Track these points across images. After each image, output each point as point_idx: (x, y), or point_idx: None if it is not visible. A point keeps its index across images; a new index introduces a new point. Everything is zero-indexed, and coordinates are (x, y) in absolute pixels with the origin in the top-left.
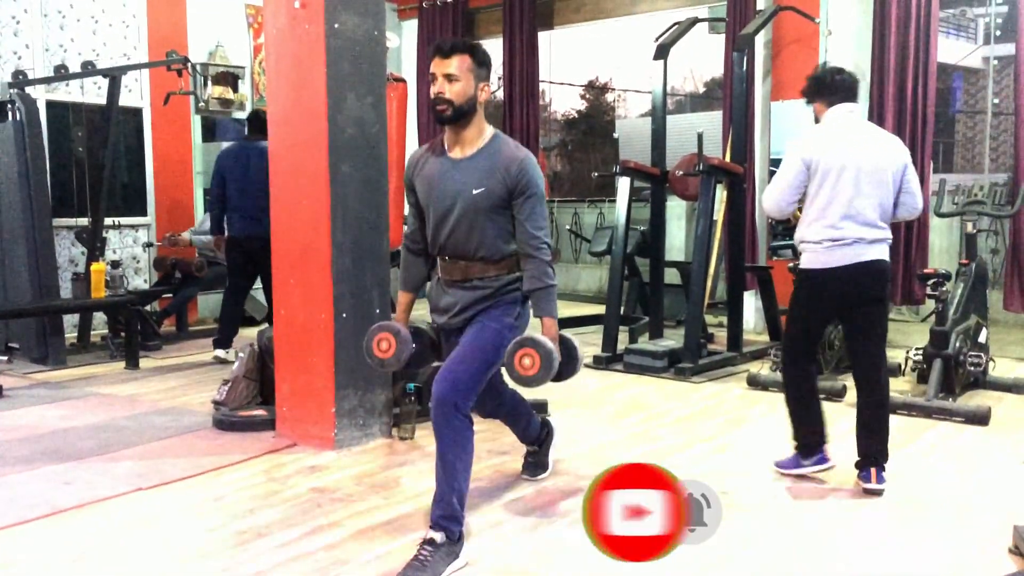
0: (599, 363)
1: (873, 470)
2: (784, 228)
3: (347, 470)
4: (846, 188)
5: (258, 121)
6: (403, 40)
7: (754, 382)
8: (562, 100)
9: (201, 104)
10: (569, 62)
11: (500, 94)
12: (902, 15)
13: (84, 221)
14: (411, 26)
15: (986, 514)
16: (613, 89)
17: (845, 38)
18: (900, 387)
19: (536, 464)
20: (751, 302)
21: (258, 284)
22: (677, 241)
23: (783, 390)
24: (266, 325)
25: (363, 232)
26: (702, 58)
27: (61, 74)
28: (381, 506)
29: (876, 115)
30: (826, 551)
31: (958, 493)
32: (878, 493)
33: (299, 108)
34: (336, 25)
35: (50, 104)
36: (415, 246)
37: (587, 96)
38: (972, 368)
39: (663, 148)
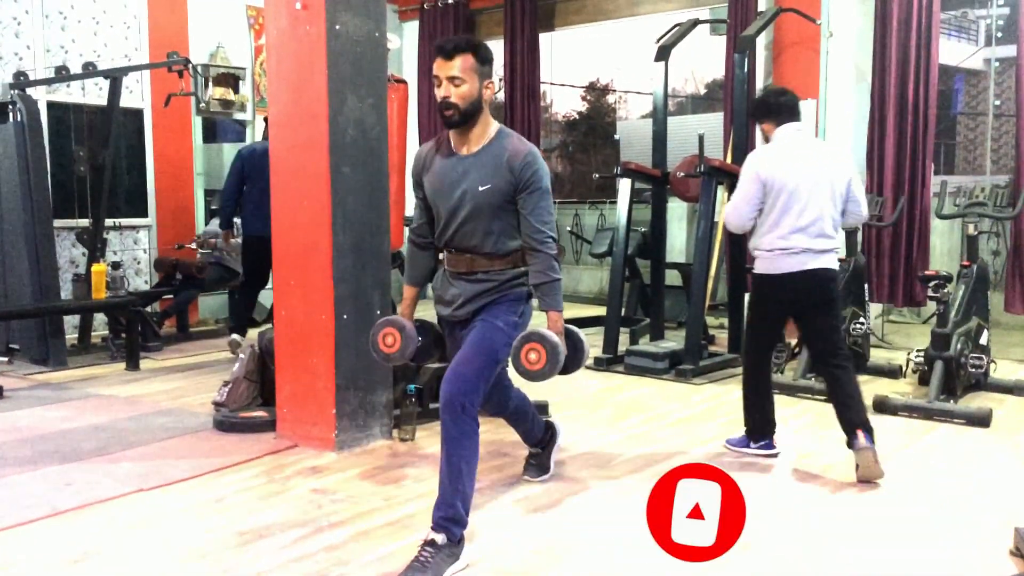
0: (600, 364)
1: (859, 431)
2: None
3: (348, 471)
4: (797, 202)
5: None
6: (404, 41)
7: None
8: (563, 101)
9: (202, 105)
10: (570, 63)
11: (501, 95)
12: (903, 17)
13: (85, 222)
14: (412, 27)
15: (987, 516)
16: (614, 91)
17: (846, 40)
18: (901, 389)
19: (538, 466)
20: None
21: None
22: (678, 243)
23: (743, 379)
24: (267, 326)
25: (364, 233)
26: (703, 60)
27: (62, 75)
28: (382, 507)
29: (877, 117)
30: (827, 552)
31: (959, 495)
32: (870, 449)
33: (300, 109)
34: (337, 26)
35: (51, 105)
36: (421, 240)
37: (588, 97)
38: (973, 370)
39: (664, 150)
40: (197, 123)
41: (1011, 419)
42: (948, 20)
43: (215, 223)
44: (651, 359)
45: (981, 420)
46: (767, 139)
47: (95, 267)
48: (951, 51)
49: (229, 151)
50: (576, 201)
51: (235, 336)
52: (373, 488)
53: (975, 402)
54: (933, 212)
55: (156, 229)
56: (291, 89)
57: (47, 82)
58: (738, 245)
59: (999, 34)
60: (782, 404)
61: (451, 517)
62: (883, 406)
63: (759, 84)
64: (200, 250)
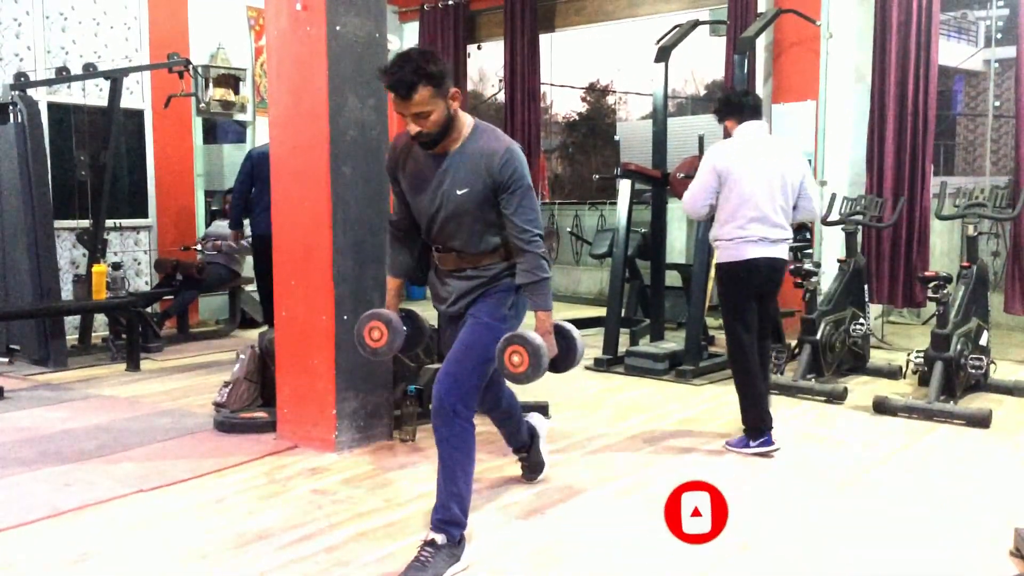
0: (600, 365)
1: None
2: None
3: (348, 472)
4: (754, 195)
5: None
6: (404, 42)
7: None
8: (563, 102)
9: (202, 106)
10: (570, 64)
11: (501, 96)
12: (903, 18)
13: (85, 223)
14: (412, 28)
15: (987, 516)
16: (614, 91)
17: (846, 41)
18: (901, 390)
19: (532, 466)
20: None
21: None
22: (678, 243)
23: (733, 377)
24: (267, 327)
25: (364, 234)
26: (703, 61)
27: (62, 76)
28: (382, 508)
29: (877, 118)
30: (827, 552)
31: (959, 495)
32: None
33: (300, 110)
34: (337, 27)
35: (51, 106)
36: (400, 233)
37: (588, 98)
38: (973, 371)
39: (664, 150)
40: (197, 124)
41: (1011, 420)
42: (948, 21)
43: (216, 224)
44: (651, 360)
45: (981, 421)
46: (729, 135)
47: (96, 268)
48: (951, 52)
49: (229, 152)
50: (576, 202)
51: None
52: (373, 489)
53: (975, 403)
54: (933, 213)
55: (156, 230)
56: (292, 90)
57: (48, 83)
58: None
59: (999, 35)
60: (783, 405)
61: (448, 519)
62: (883, 407)
63: (759, 85)
64: (203, 251)
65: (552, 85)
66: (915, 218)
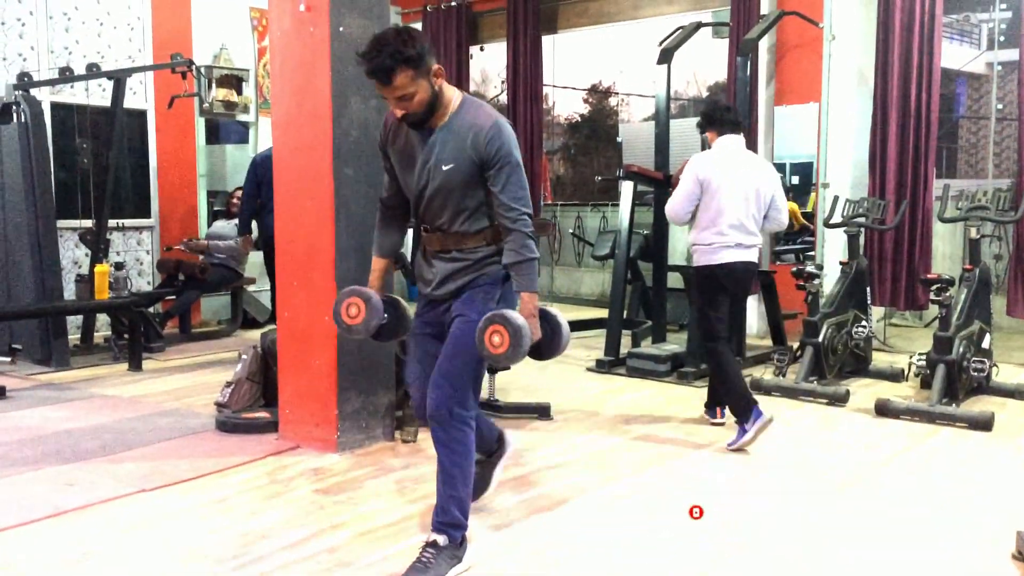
0: (602, 367)
1: (718, 408)
2: (786, 234)
3: (350, 473)
4: (731, 203)
5: None
6: None
7: (757, 387)
8: (565, 104)
9: (205, 106)
10: (572, 66)
11: (503, 97)
12: (906, 20)
13: (88, 223)
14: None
15: (989, 519)
16: (616, 93)
17: (849, 43)
18: (903, 392)
19: (480, 477)
20: (754, 306)
21: (268, 286)
22: (680, 245)
23: (711, 372)
24: (270, 327)
25: (367, 235)
26: (705, 62)
27: (66, 76)
28: (384, 509)
29: (880, 120)
30: (828, 554)
31: (961, 498)
32: (722, 424)
33: (303, 111)
34: (341, 28)
35: (55, 106)
36: (389, 211)
37: (590, 100)
38: (975, 374)
39: (666, 152)
40: (200, 124)
41: (1013, 423)
42: (950, 24)
43: (218, 224)
44: (653, 362)
45: (983, 424)
46: (709, 146)
47: (98, 268)
48: (953, 55)
49: (232, 152)
50: (578, 204)
51: None
52: (375, 489)
53: (977, 406)
54: (935, 216)
55: (159, 230)
56: (294, 91)
57: (51, 83)
58: None
59: (1001, 38)
60: (785, 407)
61: (448, 521)
62: (885, 410)
63: (761, 87)
64: (191, 251)
65: (554, 87)
66: (918, 221)
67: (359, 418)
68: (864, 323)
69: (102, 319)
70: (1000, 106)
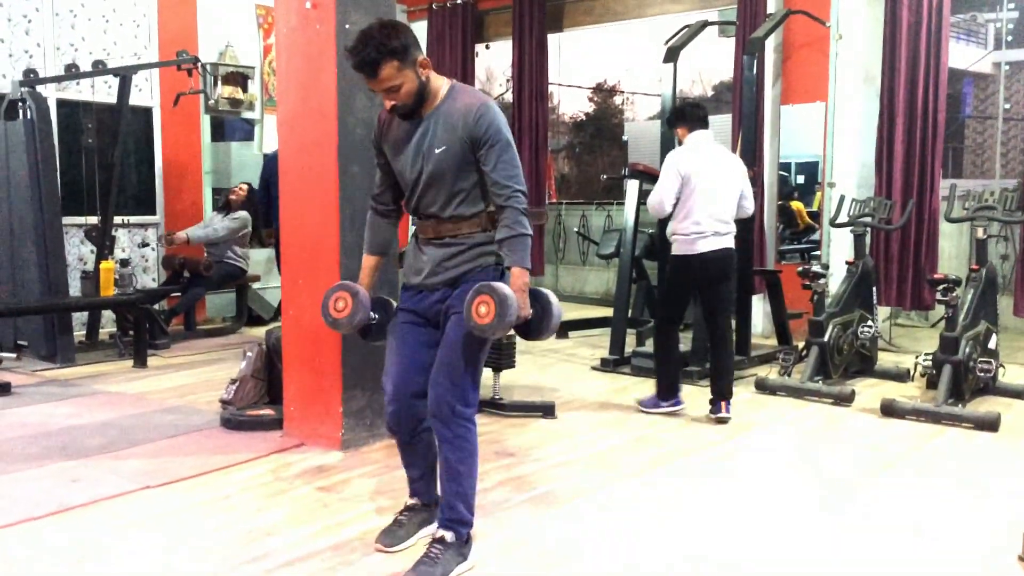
0: (606, 365)
1: (723, 403)
2: (792, 233)
3: (354, 470)
4: (706, 195)
5: None
6: None
7: (762, 386)
8: (571, 102)
9: (211, 104)
10: (578, 64)
11: (509, 95)
12: (913, 19)
13: (93, 219)
14: (420, 27)
15: (995, 520)
16: (622, 92)
17: (855, 42)
18: (909, 392)
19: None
20: (759, 306)
21: (274, 283)
22: None
23: (654, 347)
24: (275, 324)
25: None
26: (712, 61)
27: (72, 73)
28: (388, 507)
29: (886, 120)
30: (833, 555)
31: (966, 499)
32: (726, 421)
33: (309, 108)
34: (347, 25)
35: (61, 103)
36: (382, 208)
37: (595, 99)
38: (982, 374)
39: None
40: (206, 121)
41: (1019, 423)
42: (957, 23)
43: (210, 221)
44: None
45: (989, 424)
46: (680, 142)
47: (103, 264)
48: (960, 55)
49: (237, 150)
50: (583, 202)
51: None
52: (379, 487)
53: (983, 406)
54: (942, 216)
55: (164, 227)
56: (300, 88)
57: (57, 80)
58: (746, 247)
59: (1009, 38)
60: (790, 407)
61: (455, 518)
62: (891, 410)
63: (768, 86)
64: (168, 245)
65: (560, 85)
66: (924, 220)
67: (364, 416)
68: (870, 323)
69: (107, 316)
70: (1007, 106)
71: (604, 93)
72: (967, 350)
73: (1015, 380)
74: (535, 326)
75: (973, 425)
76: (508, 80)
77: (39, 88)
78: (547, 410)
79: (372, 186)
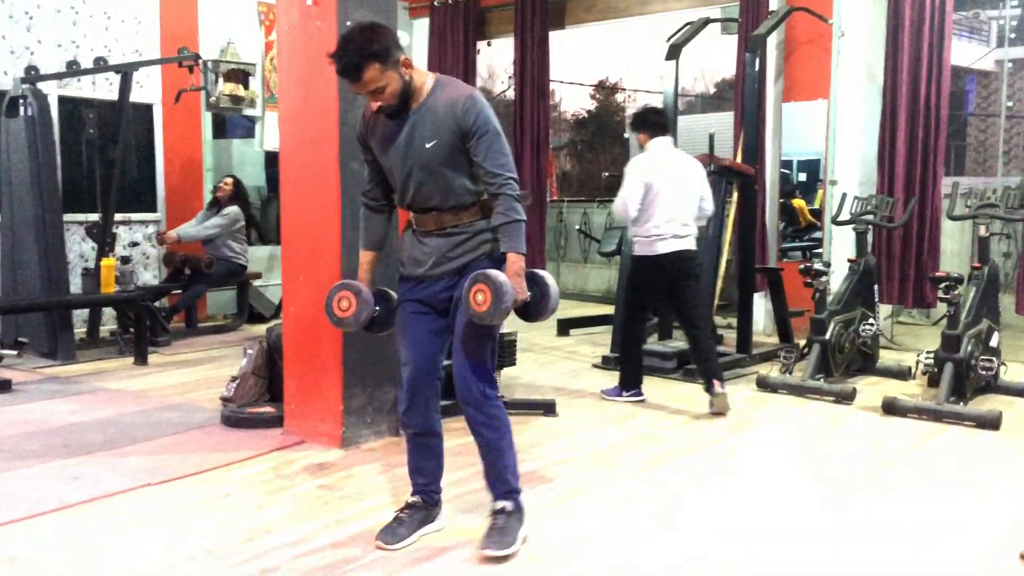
0: (608, 363)
1: (715, 381)
2: (794, 231)
3: (355, 468)
4: (667, 199)
5: None
6: (414, 38)
7: (763, 384)
8: (572, 100)
9: (212, 101)
10: (580, 62)
11: (510, 93)
12: (915, 17)
13: (94, 216)
14: (422, 24)
15: (997, 519)
16: (623, 89)
17: (858, 39)
18: (911, 391)
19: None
20: (761, 304)
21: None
22: None
23: (620, 341)
24: (275, 322)
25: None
26: (714, 59)
27: (73, 70)
28: (388, 504)
29: (889, 117)
30: (834, 553)
31: (968, 497)
32: (721, 396)
33: (310, 105)
34: (348, 22)
35: (62, 100)
36: (374, 203)
37: (597, 96)
38: (983, 372)
39: None
40: (207, 118)
41: (1021, 422)
42: (960, 21)
43: (200, 219)
44: (659, 358)
45: (991, 423)
46: (642, 147)
47: (104, 261)
48: (963, 52)
49: (238, 147)
50: (585, 200)
51: None
52: (380, 485)
53: (985, 404)
54: (944, 213)
55: (166, 224)
56: (301, 85)
57: (58, 76)
58: (748, 245)
59: (1012, 35)
60: (792, 405)
61: (509, 489)
62: (892, 408)
63: (770, 83)
64: (159, 244)
65: (561, 82)
66: (926, 218)
67: (364, 413)
68: (871, 321)
69: (108, 313)
70: (1010, 103)
71: (606, 90)
72: (969, 348)
73: (1017, 378)
74: (534, 308)
75: (975, 423)
76: (510, 77)
77: (40, 85)
78: (548, 408)
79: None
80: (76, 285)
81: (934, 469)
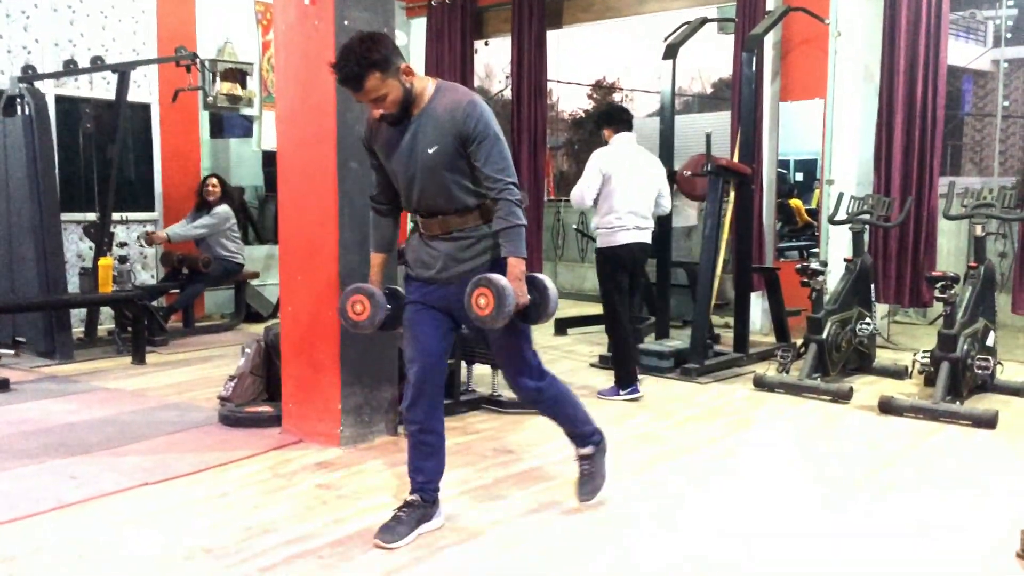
0: (605, 362)
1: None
2: (790, 230)
3: (352, 467)
4: (628, 192)
5: None
6: (411, 38)
7: (760, 383)
8: (570, 99)
9: (209, 100)
10: (577, 61)
11: (507, 92)
12: (912, 17)
13: (92, 216)
14: (420, 23)
15: (993, 517)
16: (621, 89)
17: (854, 39)
18: (907, 390)
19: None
20: (758, 303)
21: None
22: (684, 241)
23: (611, 337)
24: (273, 321)
25: (371, 230)
26: (710, 58)
27: (70, 69)
28: (386, 503)
29: (885, 117)
30: (831, 553)
31: (964, 496)
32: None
33: (308, 105)
34: (346, 22)
35: (59, 99)
36: (381, 206)
37: (594, 96)
38: (979, 371)
39: (671, 148)
40: (204, 118)
41: (1017, 421)
42: (956, 21)
43: (176, 227)
44: (656, 358)
45: (987, 422)
46: (606, 142)
47: (102, 261)
48: (959, 52)
49: (236, 146)
50: None
51: None
52: (378, 483)
53: (981, 404)
54: (940, 213)
55: (163, 223)
56: (299, 84)
57: (55, 76)
58: (745, 244)
59: (1008, 35)
60: (788, 404)
61: (586, 438)
62: (889, 407)
63: (767, 83)
64: (148, 245)
65: (559, 82)
66: (923, 218)
67: (362, 413)
68: (868, 320)
69: (106, 312)
70: (1006, 103)
71: (603, 90)
72: (965, 347)
73: (1013, 377)
74: (534, 311)
75: (971, 423)
76: (507, 77)
77: (37, 84)
78: None
79: (370, 185)
80: (74, 284)
81: (932, 469)
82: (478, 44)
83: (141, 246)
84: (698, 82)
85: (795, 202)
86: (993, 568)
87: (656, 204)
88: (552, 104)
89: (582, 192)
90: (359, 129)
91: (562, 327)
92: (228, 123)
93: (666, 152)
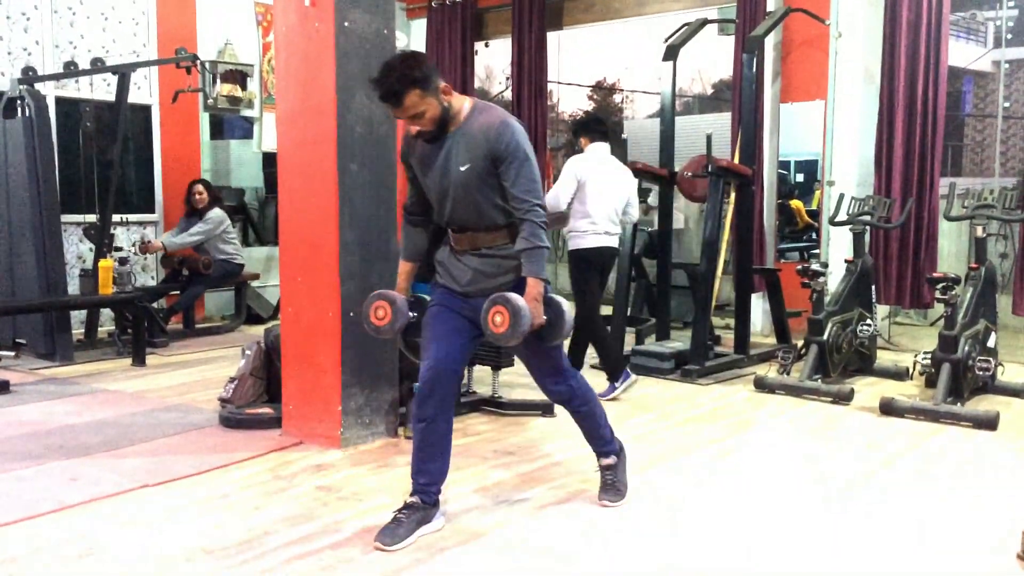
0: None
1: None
2: (791, 231)
3: (353, 468)
4: (600, 198)
5: None
6: (412, 39)
7: (761, 384)
8: (570, 100)
9: (210, 102)
10: (577, 62)
11: (508, 93)
12: (912, 18)
13: (92, 217)
14: (420, 25)
15: (994, 519)
16: (621, 90)
17: (855, 40)
18: (908, 391)
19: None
20: (758, 304)
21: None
22: (685, 241)
23: (593, 339)
24: (273, 323)
25: (371, 231)
26: (711, 59)
27: (70, 71)
28: (386, 505)
29: (886, 118)
30: (832, 555)
31: (965, 498)
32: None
33: (308, 106)
34: (346, 23)
35: (59, 100)
36: (415, 217)
37: (595, 97)
38: (980, 372)
39: (671, 149)
40: (205, 119)
41: (1018, 422)
42: (957, 21)
43: (170, 235)
44: (657, 359)
45: (988, 423)
46: (582, 150)
47: (102, 262)
48: (960, 53)
49: (236, 147)
50: None
51: None
52: (379, 485)
53: (982, 405)
54: (941, 214)
55: (163, 225)
56: (299, 86)
57: (56, 77)
58: (745, 245)
59: (1008, 36)
60: (789, 405)
61: (607, 447)
62: (889, 408)
63: (767, 84)
64: (143, 252)
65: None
66: (923, 219)
67: (363, 414)
68: (869, 321)
69: (106, 314)
70: (1006, 104)
71: (603, 91)
72: (966, 349)
73: (1014, 378)
74: (548, 332)
75: (972, 424)
76: (507, 78)
77: (38, 86)
78: (546, 409)
79: (371, 183)
80: (74, 286)
81: (933, 470)
82: (478, 45)
83: (135, 254)
84: (699, 83)
85: (796, 203)
86: (993, 569)
87: (624, 212)
88: (552, 105)
89: (557, 195)
90: (359, 130)
91: None
92: (228, 125)
93: (667, 153)
